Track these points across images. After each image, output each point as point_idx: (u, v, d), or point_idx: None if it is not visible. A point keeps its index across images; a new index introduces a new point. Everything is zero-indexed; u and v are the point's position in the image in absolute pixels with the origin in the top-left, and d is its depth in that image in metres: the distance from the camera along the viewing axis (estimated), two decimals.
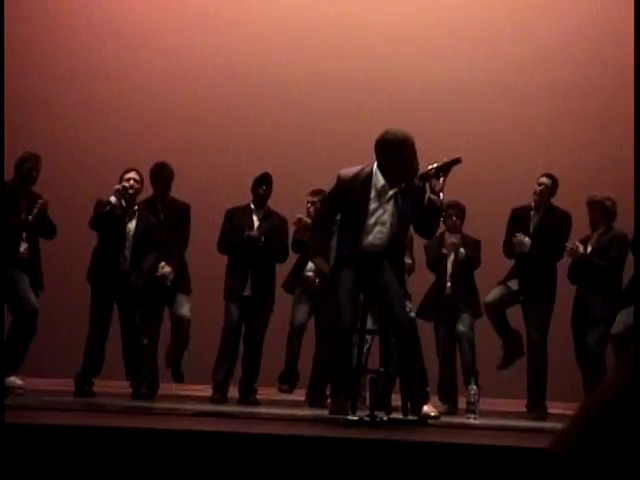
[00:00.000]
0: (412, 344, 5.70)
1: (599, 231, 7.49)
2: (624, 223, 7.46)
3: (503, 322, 7.57)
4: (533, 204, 7.62)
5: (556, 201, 7.66)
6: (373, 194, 5.61)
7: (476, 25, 9.76)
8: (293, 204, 7.96)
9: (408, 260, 7.34)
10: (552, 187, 7.59)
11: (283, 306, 7.89)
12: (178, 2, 10.12)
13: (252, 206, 7.79)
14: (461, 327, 7.64)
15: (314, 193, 7.81)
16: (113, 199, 7.25)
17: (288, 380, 7.73)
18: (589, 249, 7.45)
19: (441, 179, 5.59)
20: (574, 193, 7.91)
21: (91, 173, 7.64)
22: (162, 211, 7.72)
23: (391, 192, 5.61)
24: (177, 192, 7.81)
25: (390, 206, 5.62)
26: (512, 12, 9.82)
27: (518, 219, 7.65)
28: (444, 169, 5.61)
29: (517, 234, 7.47)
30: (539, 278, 7.45)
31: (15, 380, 6.71)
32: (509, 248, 7.62)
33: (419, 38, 9.77)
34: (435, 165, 5.60)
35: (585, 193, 7.78)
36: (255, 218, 7.76)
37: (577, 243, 7.42)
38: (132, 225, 7.43)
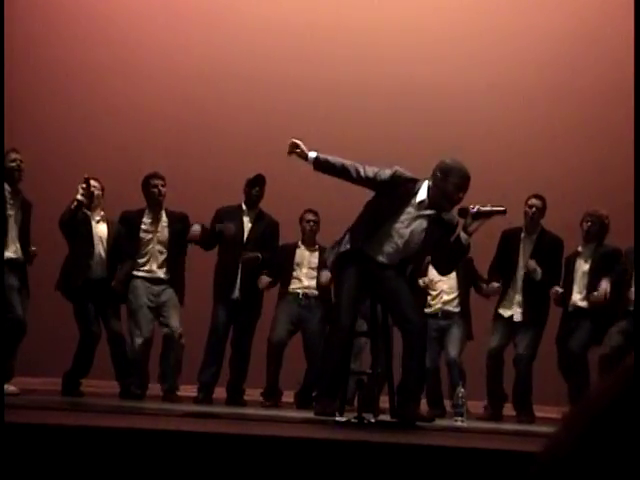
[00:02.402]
0: (419, 349, 5.70)
1: (591, 246, 7.49)
2: (618, 232, 7.49)
3: (497, 379, 7.56)
4: (524, 227, 7.61)
5: (550, 210, 7.66)
6: (410, 206, 5.59)
7: (472, 29, 9.76)
8: (288, 206, 7.96)
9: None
10: (543, 209, 7.59)
11: (271, 308, 7.89)
12: (174, 3, 10.10)
13: (244, 207, 7.78)
14: (451, 353, 7.61)
15: (312, 213, 7.84)
16: (79, 197, 7.24)
17: (271, 395, 7.70)
18: (586, 267, 7.46)
19: (477, 222, 5.60)
20: (568, 197, 7.93)
21: (81, 173, 7.61)
22: (158, 223, 7.66)
23: (426, 212, 5.59)
24: (170, 194, 7.79)
25: (416, 224, 5.59)
26: (509, 17, 9.83)
27: (508, 241, 7.65)
28: (486, 214, 5.59)
29: (529, 262, 7.45)
30: (534, 303, 7.48)
31: (8, 387, 6.67)
32: (497, 270, 7.64)
33: (418, 42, 9.78)
34: (478, 207, 5.58)
35: (579, 198, 7.80)
36: (246, 219, 7.75)
37: (557, 289, 7.47)
38: (102, 230, 7.43)
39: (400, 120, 9.56)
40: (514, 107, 9.64)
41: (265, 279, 7.63)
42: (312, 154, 5.66)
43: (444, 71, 9.65)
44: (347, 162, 5.68)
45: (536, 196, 7.61)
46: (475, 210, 5.58)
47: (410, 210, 5.59)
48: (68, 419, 4.61)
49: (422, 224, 5.60)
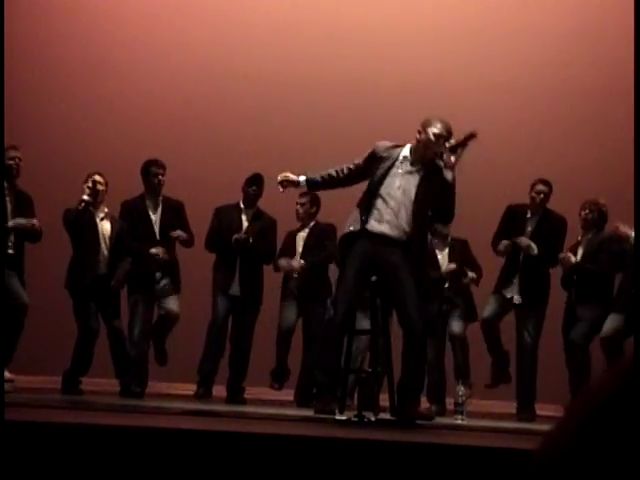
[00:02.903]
0: (419, 349, 5.71)
1: (589, 234, 7.51)
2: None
3: (496, 341, 7.59)
4: (529, 209, 7.63)
5: (550, 203, 7.66)
6: (394, 167, 5.65)
7: (473, 26, 9.75)
8: (284, 204, 7.96)
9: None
10: (549, 193, 7.62)
11: (271, 305, 7.89)
12: (175, 2, 10.09)
13: (242, 205, 7.79)
14: (455, 329, 7.65)
15: (303, 196, 7.85)
16: (85, 197, 7.27)
17: (280, 377, 7.76)
18: (580, 253, 7.47)
19: (455, 155, 5.61)
20: (567, 194, 7.92)
21: (81, 170, 7.63)
22: (154, 208, 7.70)
23: (412, 168, 5.63)
24: (168, 189, 7.81)
25: (404, 182, 5.61)
26: (509, 14, 9.81)
27: (513, 218, 7.65)
28: (460, 145, 5.61)
29: (522, 238, 7.46)
30: (533, 282, 7.48)
31: (7, 375, 6.69)
32: (498, 244, 7.62)
33: (417, 39, 9.77)
34: (452, 141, 5.61)
35: (579, 195, 7.80)
36: (244, 218, 7.76)
37: (568, 253, 7.43)
38: (106, 228, 7.44)
39: (401, 118, 9.51)
40: (514, 105, 9.63)
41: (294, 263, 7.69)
42: (302, 178, 5.85)
43: (444, 69, 9.63)
44: (336, 167, 5.82)
45: (542, 181, 7.61)
46: (450, 145, 5.60)
47: (395, 171, 5.64)
48: (68, 417, 4.61)
49: (410, 181, 5.61)
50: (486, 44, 9.76)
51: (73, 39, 9.84)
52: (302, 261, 7.72)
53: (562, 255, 7.40)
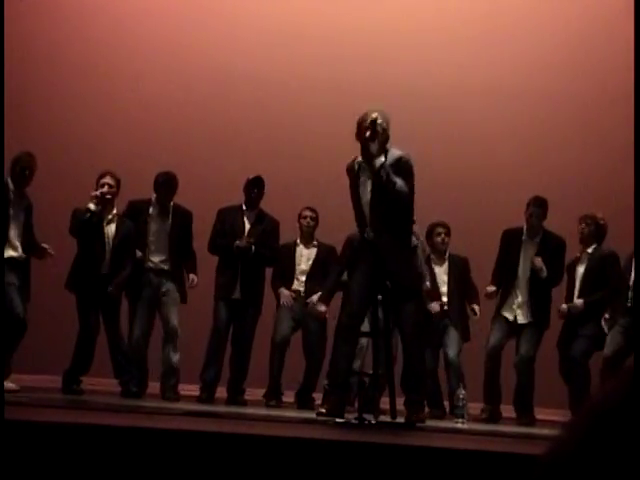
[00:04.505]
0: (411, 351, 5.78)
1: (588, 249, 7.51)
2: (616, 236, 7.50)
3: (496, 375, 7.58)
4: (525, 230, 7.62)
5: (550, 215, 7.65)
6: (361, 178, 5.89)
7: (475, 31, 9.75)
8: (288, 206, 7.96)
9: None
10: (543, 213, 7.58)
11: (273, 307, 7.90)
12: (181, 3, 10.09)
13: (244, 207, 7.78)
14: (450, 353, 7.62)
15: (309, 210, 7.89)
16: (92, 206, 7.25)
17: (274, 396, 7.70)
18: (581, 270, 7.50)
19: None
20: (566, 205, 7.93)
21: (88, 170, 7.62)
22: (164, 216, 7.67)
23: (365, 174, 5.87)
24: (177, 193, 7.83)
25: (366, 185, 5.85)
26: (508, 20, 9.81)
27: (509, 242, 7.67)
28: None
29: (538, 259, 7.47)
30: (536, 303, 7.49)
31: (7, 384, 6.66)
32: (501, 272, 7.64)
33: (416, 44, 9.76)
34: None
35: (577, 204, 7.80)
36: (246, 219, 7.74)
37: (563, 306, 7.50)
38: (111, 230, 7.44)
39: (405, 119, 9.53)
40: (513, 111, 9.62)
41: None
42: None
43: (445, 74, 9.63)
44: None
45: (536, 201, 7.57)
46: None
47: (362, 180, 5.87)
48: (68, 417, 4.61)
49: (368, 184, 5.83)
50: (486, 50, 9.76)
51: (81, 41, 9.84)
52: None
53: (563, 309, 7.49)
